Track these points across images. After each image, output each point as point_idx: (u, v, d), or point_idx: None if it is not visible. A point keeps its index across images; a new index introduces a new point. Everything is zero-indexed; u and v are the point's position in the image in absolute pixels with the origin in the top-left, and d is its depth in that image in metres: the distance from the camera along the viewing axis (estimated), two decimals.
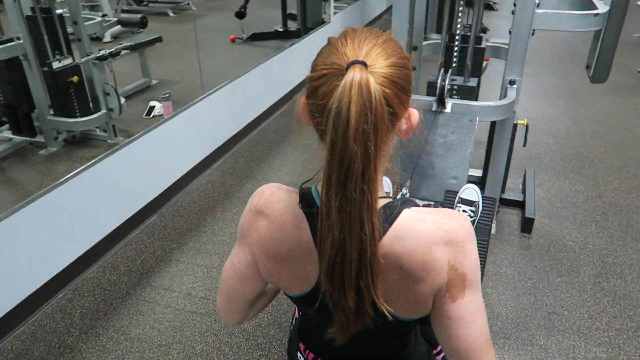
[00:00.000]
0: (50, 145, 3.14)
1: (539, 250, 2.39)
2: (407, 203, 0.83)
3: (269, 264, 0.89)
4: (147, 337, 1.93)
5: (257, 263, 0.91)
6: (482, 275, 1.82)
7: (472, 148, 2.03)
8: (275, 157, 3.25)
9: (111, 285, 2.19)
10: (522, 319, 2.01)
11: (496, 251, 2.37)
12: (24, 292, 1.99)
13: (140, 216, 2.57)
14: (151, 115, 3.43)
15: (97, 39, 4.80)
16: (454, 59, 2.32)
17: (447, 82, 2.01)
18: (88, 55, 3.08)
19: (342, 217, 0.73)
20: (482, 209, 1.87)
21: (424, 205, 1.32)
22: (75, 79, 3.09)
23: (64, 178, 2.13)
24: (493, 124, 2.37)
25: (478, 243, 1.79)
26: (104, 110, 3.16)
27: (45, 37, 2.99)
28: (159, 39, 4.14)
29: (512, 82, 2.18)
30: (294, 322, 1.23)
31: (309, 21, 5.00)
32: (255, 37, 5.11)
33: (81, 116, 3.15)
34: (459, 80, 2.36)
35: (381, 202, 0.81)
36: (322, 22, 5.02)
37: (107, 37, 4.88)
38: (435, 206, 1.34)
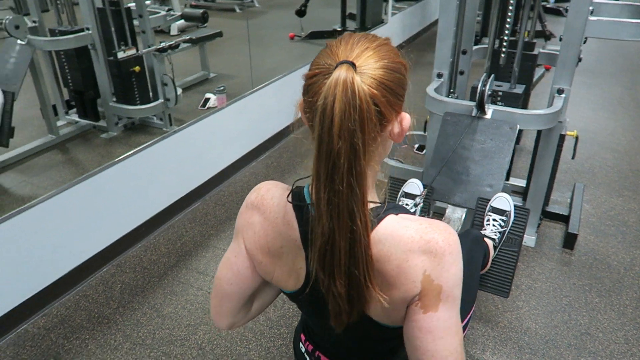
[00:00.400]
0: (111, 130, 3.35)
1: (579, 267, 2.29)
2: (395, 209, 0.84)
3: (263, 259, 0.92)
4: (178, 316, 2.03)
5: (253, 259, 0.93)
6: (509, 287, 1.78)
7: (510, 156, 1.98)
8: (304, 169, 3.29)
9: (151, 265, 2.32)
10: (552, 336, 1.94)
11: (533, 265, 2.30)
12: (73, 262, 2.15)
13: (184, 202, 2.69)
14: (206, 107, 3.57)
15: (165, 32, 5.05)
16: (500, 65, 2.26)
17: (487, 87, 1.97)
18: (149, 47, 3.25)
19: (331, 208, 0.76)
20: (514, 219, 1.83)
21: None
22: (137, 68, 3.28)
23: (115, 160, 2.28)
24: (539, 133, 2.29)
25: (507, 253, 1.76)
26: (161, 100, 3.33)
27: (113, 29, 3.19)
28: (219, 34, 4.29)
29: (560, 91, 2.10)
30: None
31: (368, 21, 5.02)
32: (314, 36, 5.19)
33: (141, 104, 3.34)
34: (505, 87, 2.31)
35: (369, 205, 0.83)
36: (382, 22, 5.01)
37: (174, 30, 5.11)
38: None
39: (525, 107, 2.53)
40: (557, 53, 2.09)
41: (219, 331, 1.96)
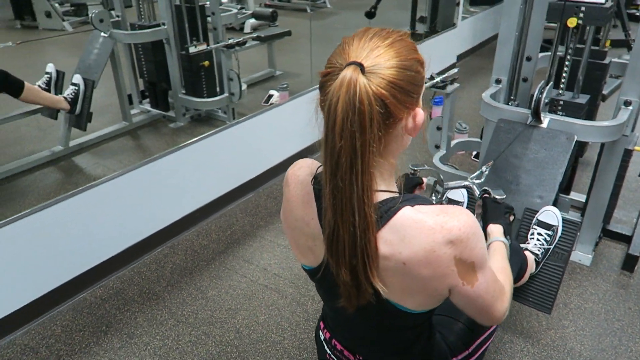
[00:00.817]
0: (179, 120, 3.55)
1: (637, 291, 2.15)
2: (410, 200, 0.85)
3: (287, 229, 1.00)
4: (220, 299, 2.13)
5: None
6: (551, 303, 1.72)
7: (565, 168, 1.90)
8: None
9: (201, 249, 2.44)
10: None
11: (586, 284, 2.19)
12: (132, 240, 2.31)
13: (238, 192, 2.81)
14: (269, 103, 3.68)
15: (237, 30, 5.25)
16: (564, 73, 2.17)
17: (544, 94, 1.90)
18: (218, 43, 3.41)
19: (334, 203, 0.80)
20: (562, 234, 1.76)
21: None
22: (206, 63, 3.44)
23: (176, 147, 2.42)
24: (603, 146, 2.18)
25: (552, 268, 1.70)
26: (226, 94, 3.47)
27: (186, 25, 3.38)
28: (287, 33, 4.40)
29: (627, 103, 1.99)
30: None
31: (439, 25, 4.94)
32: None
33: (208, 97, 3.50)
34: (567, 96, 2.21)
35: (382, 196, 0.85)
36: (453, 26, 4.92)
37: (247, 28, 5.29)
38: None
39: (590, 118, 2.40)
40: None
41: (257, 318, 2.03)
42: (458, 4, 4.91)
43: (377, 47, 0.78)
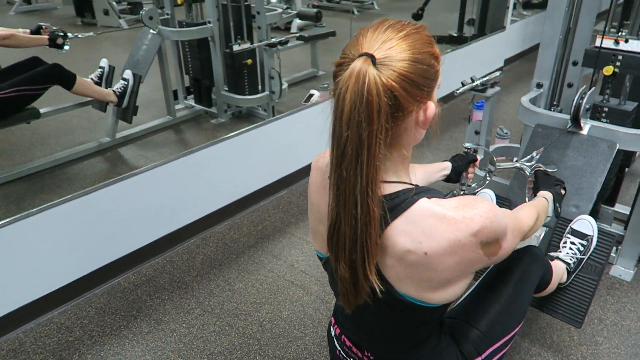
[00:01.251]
0: (220, 117, 3.63)
1: None
2: (426, 192, 0.85)
3: (310, 212, 1.03)
4: (246, 292, 2.16)
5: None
6: (582, 317, 1.65)
7: (604, 178, 1.82)
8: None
9: (232, 242, 2.49)
10: None
11: (625, 300, 2.08)
12: (166, 230, 2.39)
13: (272, 188, 2.84)
14: (309, 102, 3.71)
15: (282, 30, 5.32)
16: (610, 79, 2.07)
17: (585, 100, 1.82)
18: (261, 42, 3.46)
19: (338, 194, 0.80)
20: (597, 245, 1.68)
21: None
22: (249, 61, 3.51)
23: (214, 140, 2.48)
24: None
25: (584, 281, 1.64)
26: (267, 92, 3.53)
27: (232, 23, 3.45)
28: (332, 34, 4.41)
29: None
30: None
31: (488, 27, 4.82)
32: None
33: (249, 95, 3.57)
34: (613, 102, 2.11)
35: (396, 187, 0.85)
36: (502, 29, 4.79)
37: (293, 28, 5.35)
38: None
39: (638, 127, 2.28)
40: None
41: (281, 313, 2.05)
42: (509, 7, 4.78)
43: (390, 39, 0.79)
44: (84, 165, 3.04)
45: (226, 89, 3.60)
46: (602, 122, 2.03)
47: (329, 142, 0.81)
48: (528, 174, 1.55)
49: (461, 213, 0.80)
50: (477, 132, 2.67)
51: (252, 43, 3.48)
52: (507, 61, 4.77)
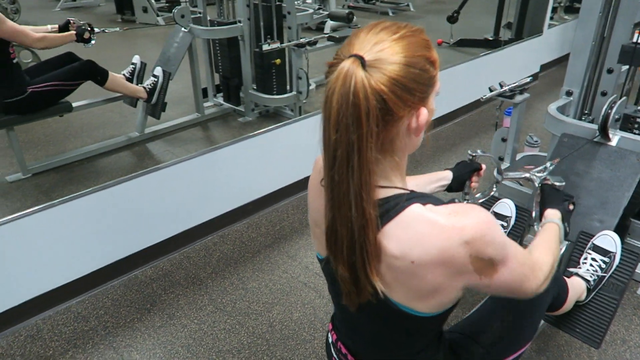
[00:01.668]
0: (248, 115, 3.66)
1: None
2: (420, 198, 0.82)
3: (310, 212, 1.03)
4: (259, 291, 2.17)
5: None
6: (601, 338, 1.57)
7: (632, 192, 1.73)
8: (435, 163, 3.20)
9: (249, 241, 2.50)
10: None
11: None
12: (186, 226, 2.42)
13: (292, 189, 2.84)
14: None
15: (314, 30, 5.32)
16: None
17: (614, 110, 1.74)
18: (290, 42, 3.47)
19: (332, 197, 0.79)
20: (619, 262, 1.60)
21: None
22: (278, 61, 3.52)
23: (236, 139, 2.50)
24: None
25: (605, 300, 1.57)
26: (294, 92, 3.53)
27: (262, 23, 3.47)
28: None
29: None
30: None
31: (525, 32, 4.69)
32: (462, 43, 5.01)
33: (277, 94, 3.58)
34: None
35: (390, 192, 0.83)
36: (539, 34, 4.64)
37: (326, 29, 5.34)
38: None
39: None
40: None
41: (292, 314, 2.05)
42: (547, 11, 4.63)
43: (382, 40, 0.76)
44: (113, 158, 3.12)
45: (254, 87, 3.62)
46: (634, 133, 1.93)
47: (319, 145, 0.79)
48: (537, 185, 1.45)
49: (452, 221, 0.77)
50: (504, 140, 2.59)
51: (281, 43, 3.49)
52: (544, 67, 4.62)
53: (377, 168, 0.81)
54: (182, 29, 3.34)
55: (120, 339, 1.94)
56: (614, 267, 1.60)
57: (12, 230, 1.91)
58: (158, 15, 5.89)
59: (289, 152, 2.77)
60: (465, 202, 1.43)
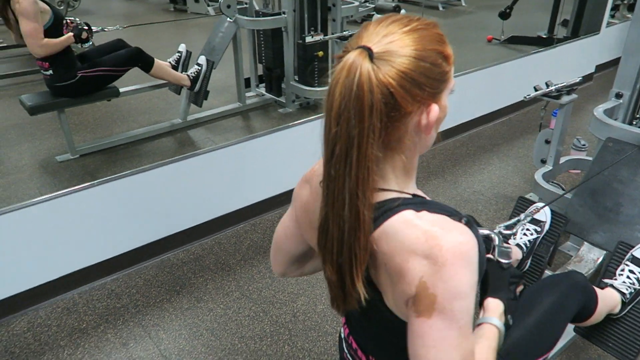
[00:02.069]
0: (288, 106, 3.68)
1: None
2: (419, 205, 0.79)
3: (307, 229, 0.96)
4: (285, 281, 2.18)
5: (299, 226, 0.99)
6: (635, 354, 1.49)
7: None
8: (474, 163, 3.12)
9: None
10: None
11: None
12: (218, 212, 2.47)
13: None
14: None
15: (359, 23, 5.27)
16: None
17: None
18: (333, 34, 3.45)
19: (327, 194, 0.77)
20: None
21: None
22: (320, 53, 3.51)
23: (272, 129, 2.52)
24: None
25: None
26: None
27: (306, 15, 3.47)
28: None
29: None
30: None
31: (582, 30, 4.47)
32: (514, 40, 4.84)
33: (318, 86, 3.58)
34: None
35: (385, 195, 0.80)
36: (596, 32, 4.42)
37: None
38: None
39: None
40: None
41: (315, 306, 2.05)
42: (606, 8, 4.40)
43: (392, 33, 0.73)
44: (155, 143, 3.21)
45: (296, 79, 3.63)
46: None
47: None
48: (497, 243, 1.11)
49: (431, 231, 0.72)
50: (547, 142, 2.49)
51: (325, 35, 3.48)
52: (599, 67, 4.40)
53: (377, 168, 0.78)
54: (228, 19, 3.39)
55: (149, 318, 2.01)
56: None
57: (56, 206, 2.01)
58: (209, 5, 6.00)
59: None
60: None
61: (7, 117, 3.48)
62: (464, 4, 6.07)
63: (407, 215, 0.76)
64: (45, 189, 2.67)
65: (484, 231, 1.16)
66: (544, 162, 2.53)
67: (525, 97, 2.28)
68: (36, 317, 2.01)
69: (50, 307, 2.06)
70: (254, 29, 3.66)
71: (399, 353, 0.97)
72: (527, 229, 1.70)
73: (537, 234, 1.69)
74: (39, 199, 1.97)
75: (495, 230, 1.18)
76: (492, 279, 1.06)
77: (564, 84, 2.37)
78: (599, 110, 1.92)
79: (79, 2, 6.08)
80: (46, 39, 2.67)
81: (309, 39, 3.43)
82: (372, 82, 0.69)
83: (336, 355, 1.84)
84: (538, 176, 2.44)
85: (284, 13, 3.46)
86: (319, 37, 3.45)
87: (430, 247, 0.71)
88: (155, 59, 3.12)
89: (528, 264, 1.68)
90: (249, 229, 2.54)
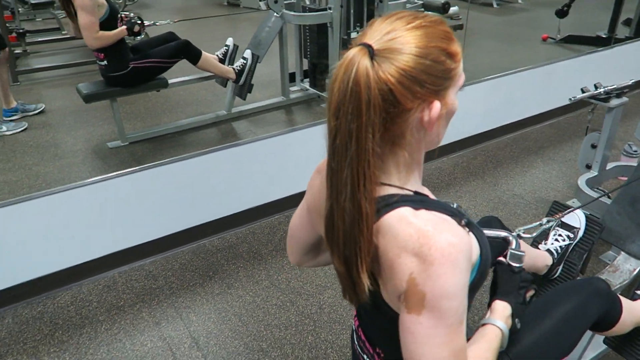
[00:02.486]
0: None
1: None
2: (418, 202, 0.80)
3: (317, 219, 0.99)
4: (314, 274, 2.22)
5: (311, 216, 1.02)
6: None
7: None
8: (516, 165, 3.03)
9: None
10: None
11: None
12: (255, 203, 2.53)
13: None
14: None
15: None
16: None
17: None
18: None
19: (331, 187, 0.79)
20: None
21: None
22: None
23: (310, 123, 2.56)
24: None
25: None
26: None
27: (352, 11, 3.48)
28: (459, 26, 4.23)
29: None
30: None
31: None
32: (570, 40, 4.65)
33: None
34: None
35: (386, 190, 0.81)
36: None
37: None
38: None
39: None
40: None
41: (342, 300, 2.07)
42: None
43: (395, 29, 0.74)
44: (200, 134, 3.33)
45: None
46: None
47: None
48: (513, 246, 1.10)
49: (424, 230, 0.74)
50: (593, 146, 2.40)
51: None
52: None
53: (381, 163, 0.79)
54: (275, 14, 3.45)
55: (181, 300, 2.09)
56: None
57: (104, 189, 2.14)
58: (260, 0, 6.11)
59: None
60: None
61: (66, 104, 3.70)
62: (520, 1, 5.88)
63: (404, 212, 0.78)
64: (95, 172, 2.83)
65: (502, 233, 1.15)
66: (589, 167, 2.44)
67: (570, 99, 2.21)
68: (79, 292, 2.14)
69: (92, 284, 2.19)
70: (300, 24, 3.70)
71: (397, 351, 0.98)
72: (560, 235, 1.65)
73: (570, 240, 1.64)
74: (86, 181, 2.10)
75: (513, 233, 1.16)
76: (501, 281, 1.05)
77: (614, 86, 2.27)
78: None
79: None
80: (101, 32, 2.82)
81: (354, 35, 3.44)
82: (370, 79, 0.71)
83: None
84: (581, 181, 2.36)
85: (330, 9, 3.48)
86: None
87: (420, 245, 0.73)
88: (202, 51, 3.22)
89: (559, 270, 1.64)
90: (282, 220, 2.59)
